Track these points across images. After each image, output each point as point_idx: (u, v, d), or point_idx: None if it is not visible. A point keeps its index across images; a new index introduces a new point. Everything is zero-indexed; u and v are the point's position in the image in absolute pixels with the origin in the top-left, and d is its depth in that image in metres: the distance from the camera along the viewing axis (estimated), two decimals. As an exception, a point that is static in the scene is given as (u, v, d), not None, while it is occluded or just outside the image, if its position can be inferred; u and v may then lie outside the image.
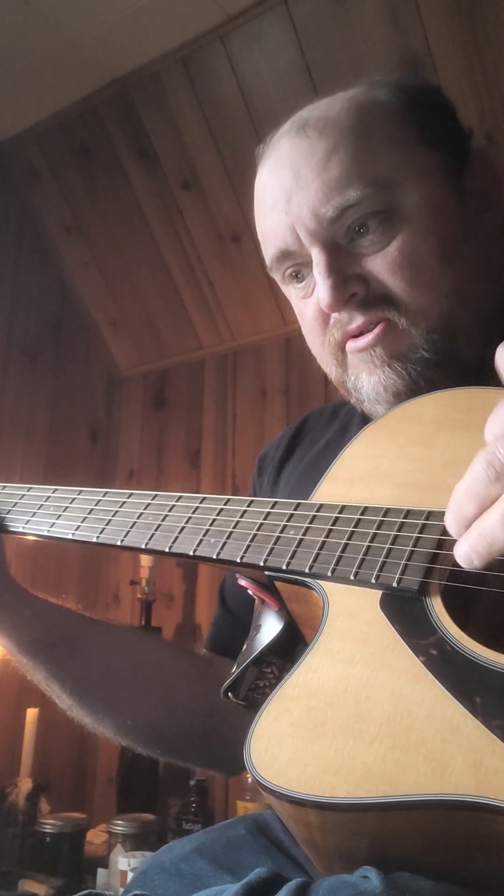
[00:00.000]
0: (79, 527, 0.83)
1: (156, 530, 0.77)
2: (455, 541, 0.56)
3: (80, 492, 0.87)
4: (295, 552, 0.67)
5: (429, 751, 0.50)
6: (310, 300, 0.86)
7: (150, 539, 0.77)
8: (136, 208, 2.65)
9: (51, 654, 0.89)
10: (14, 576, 0.91)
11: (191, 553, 0.73)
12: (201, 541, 0.73)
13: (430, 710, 0.52)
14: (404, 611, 0.59)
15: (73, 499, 0.86)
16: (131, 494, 0.83)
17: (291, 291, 0.90)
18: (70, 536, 0.83)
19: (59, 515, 0.85)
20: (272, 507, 0.72)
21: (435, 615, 0.58)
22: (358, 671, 0.57)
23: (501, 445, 0.53)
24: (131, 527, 0.79)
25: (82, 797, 2.56)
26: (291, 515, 0.70)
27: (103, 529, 0.81)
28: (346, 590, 0.63)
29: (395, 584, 0.60)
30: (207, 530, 0.74)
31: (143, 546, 0.77)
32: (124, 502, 0.82)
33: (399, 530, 0.64)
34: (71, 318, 2.91)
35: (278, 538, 0.69)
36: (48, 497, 0.88)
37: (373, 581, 0.62)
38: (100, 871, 1.92)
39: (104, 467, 2.92)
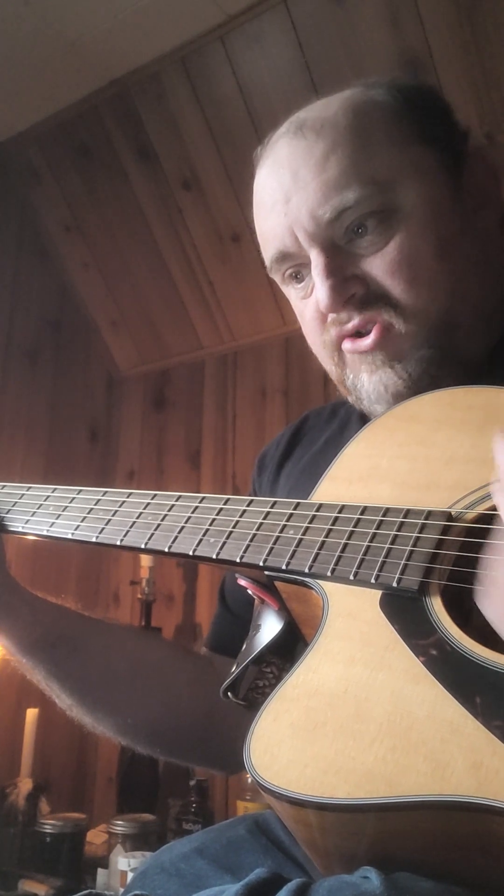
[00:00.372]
0: (78, 526, 0.83)
1: (155, 530, 0.77)
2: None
3: (80, 491, 0.87)
4: (295, 552, 0.67)
5: (429, 751, 0.50)
6: (309, 300, 0.86)
7: (149, 539, 0.77)
8: (136, 208, 2.65)
9: (51, 654, 0.89)
10: (14, 576, 0.91)
11: (190, 553, 0.73)
12: (201, 540, 0.73)
13: (430, 711, 0.52)
14: (404, 611, 0.59)
15: (73, 498, 0.86)
16: (131, 494, 0.83)
17: (291, 292, 0.90)
18: (70, 536, 0.83)
19: (59, 515, 0.85)
20: (272, 507, 0.72)
21: (435, 615, 0.58)
22: (358, 671, 0.56)
23: None
24: (131, 526, 0.79)
25: (82, 797, 2.56)
26: (291, 515, 0.70)
27: (103, 529, 0.81)
28: (346, 590, 0.63)
29: (394, 584, 0.60)
30: (207, 530, 0.74)
31: (142, 546, 0.77)
32: (124, 502, 0.82)
33: (399, 530, 0.64)
34: (71, 318, 2.91)
35: (278, 538, 0.69)
36: (48, 497, 0.88)
37: (372, 581, 0.61)
38: (100, 871, 1.92)
39: (104, 467, 2.92)
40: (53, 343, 2.82)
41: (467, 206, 0.84)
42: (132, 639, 1.03)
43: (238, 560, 0.70)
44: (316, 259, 0.81)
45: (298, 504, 0.71)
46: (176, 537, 0.75)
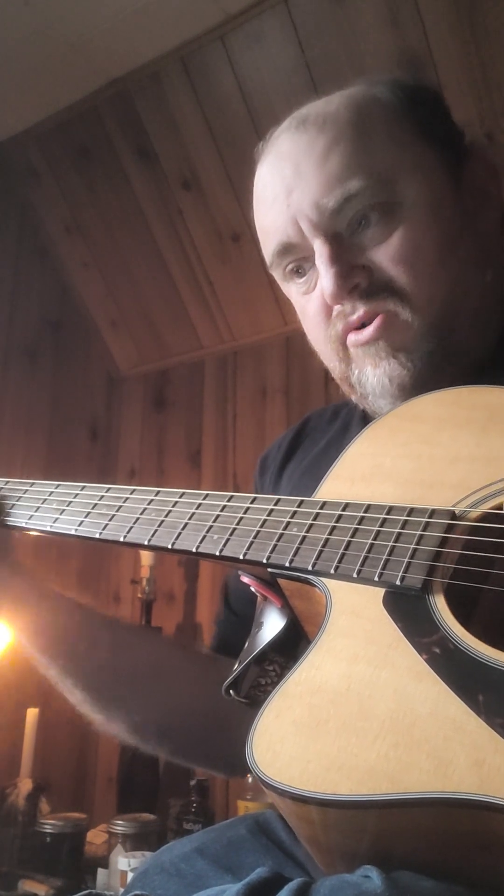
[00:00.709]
0: (82, 522, 0.83)
1: (159, 526, 0.77)
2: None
3: (83, 488, 0.87)
4: (298, 549, 0.67)
5: (431, 749, 0.50)
6: (312, 295, 0.86)
7: (152, 535, 0.77)
8: (136, 208, 2.65)
9: (65, 650, 0.90)
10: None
11: (194, 550, 0.73)
12: (204, 537, 0.73)
13: (432, 708, 0.52)
14: (407, 609, 0.59)
15: (76, 494, 0.86)
16: (134, 491, 0.83)
17: (292, 288, 0.90)
18: (73, 532, 0.83)
19: (63, 511, 0.85)
20: (275, 505, 0.72)
21: (438, 613, 0.58)
22: (361, 669, 0.56)
23: None
24: (134, 523, 0.79)
25: (82, 797, 2.56)
26: (295, 513, 0.70)
27: (106, 525, 0.81)
28: (349, 587, 0.63)
29: (398, 582, 0.60)
30: (210, 527, 0.74)
31: (145, 542, 0.77)
32: (127, 498, 0.82)
33: (402, 528, 0.64)
34: (71, 318, 2.91)
35: (281, 535, 0.69)
36: (51, 493, 0.88)
37: (376, 579, 0.61)
38: (100, 871, 1.91)
39: (104, 467, 2.92)
40: (53, 343, 2.82)
41: (468, 205, 0.84)
42: (144, 638, 1.03)
43: (241, 557, 0.70)
44: (320, 248, 0.81)
45: (302, 502, 0.71)
46: (179, 534, 0.75)
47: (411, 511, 0.65)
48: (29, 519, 0.87)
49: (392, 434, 0.74)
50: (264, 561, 0.68)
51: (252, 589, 0.73)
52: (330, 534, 0.67)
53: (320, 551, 0.66)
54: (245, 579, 0.74)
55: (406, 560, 0.61)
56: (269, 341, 2.65)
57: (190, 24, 2.17)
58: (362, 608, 0.61)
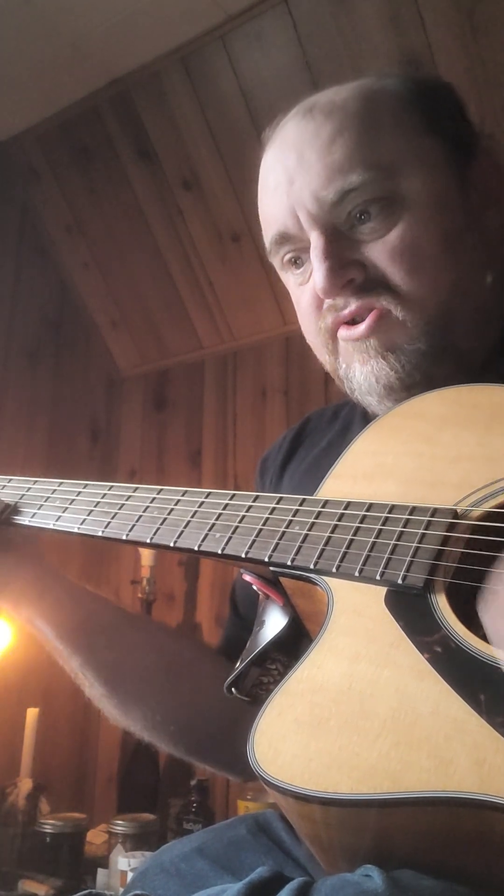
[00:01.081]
0: (84, 520, 0.83)
1: (161, 524, 0.77)
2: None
3: (86, 486, 0.87)
4: (300, 548, 0.67)
5: (432, 748, 0.50)
6: (306, 286, 0.85)
7: (155, 533, 0.77)
8: (136, 208, 2.65)
9: (89, 642, 0.90)
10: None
11: (196, 548, 0.73)
12: (206, 535, 0.73)
13: (434, 708, 0.52)
14: (409, 608, 0.59)
15: (79, 492, 0.86)
16: (136, 489, 0.83)
17: (290, 278, 0.89)
18: (75, 530, 0.83)
19: (65, 509, 0.85)
20: (277, 503, 0.72)
21: (440, 612, 0.58)
22: (362, 668, 0.56)
23: None
24: (137, 521, 0.79)
25: (82, 797, 2.55)
26: (297, 511, 0.70)
27: (108, 523, 0.81)
28: (351, 586, 0.63)
29: (400, 581, 0.60)
30: (213, 525, 0.74)
31: (148, 540, 0.77)
32: (129, 496, 0.82)
33: (404, 527, 0.64)
34: (71, 318, 2.91)
35: (283, 533, 0.69)
36: (54, 490, 0.88)
37: (378, 578, 0.61)
38: (100, 871, 1.91)
39: (105, 467, 2.92)
40: (53, 343, 2.82)
41: (473, 203, 0.83)
42: (167, 636, 1.03)
43: (243, 555, 0.70)
44: (315, 241, 0.80)
45: (304, 500, 0.71)
46: (181, 532, 0.75)
47: (413, 510, 0.65)
48: (32, 516, 0.87)
49: (394, 432, 0.74)
50: (266, 559, 0.68)
51: (254, 587, 0.73)
52: (332, 532, 0.67)
53: (322, 550, 0.66)
54: (247, 577, 0.74)
55: (408, 559, 0.61)
56: (269, 341, 2.65)
57: (190, 24, 2.17)
58: (364, 607, 0.61)
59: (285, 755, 0.53)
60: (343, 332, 0.82)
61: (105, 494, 0.84)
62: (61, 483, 0.89)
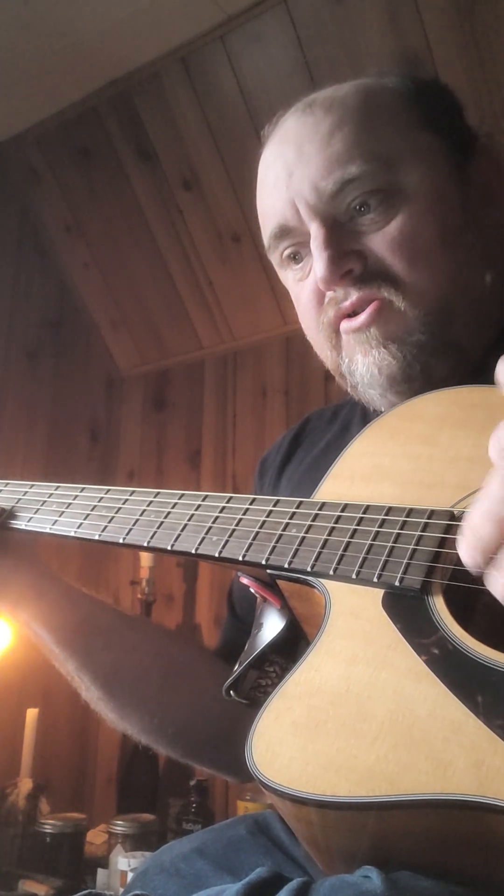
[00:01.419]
0: (81, 524, 0.83)
1: (158, 528, 0.77)
2: (456, 540, 0.55)
3: (83, 489, 0.87)
4: (297, 550, 0.67)
5: (430, 750, 0.50)
6: (306, 282, 0.85)
7: (152, 537, 0.77)
8: (136, 208, 2.65)
9: (85, 645, 0.90)
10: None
11: (193, 551, 0.73)
12: (203, 539, 0.73)
13: (431, 710, 0.52)
14: (406, 610, 0.59)
15: (76, 496, 0.86)
16: (133, 492, 0.83)
17: (289, 275, 0.89)
18: (72, 534, 0.83)
19: (62, 513, 0.85)
20: (274, 506, 0.72)
21: (437, 614, 0.58)
22: (360, 670, 0.56)
23: None
24: (133, 524, 0.79)
25: (82, 797, 2.55)
26: (294, 514, 0.70)
27: (105, 527, 0.81)
28: (349, 588, 0.63)
29: (397, 584, 0.60)
30: (210, 528, 0.74)
31: (145, 544, 0.77)
32: (126, 500, 0.82)
33: (401, 529, 0.64)
34: (71, 318, 2.91)
35: (280, 536, 0.69)
36: (51, 494, 0.88)
37: (375, 580, 0.61)
38: (100, 871, 1.92)
39: (104, 468, 2.92)
40: (53, 343, 2.82)
41: (472, 200, 0.84)
42: (165, 638, 1.03)
43: (240, 558, 0.70)
44: (315, 232, 0.80)
45: (301, 503, 0.71)
46: (178, 535, 0.75)
47: (410, 512, 0.65)
48: (28, 521, 0.87)
49: (391, 434, 0.74)
50: (263, 562, 0.68)
51: (251, 590, 0.73)
52: (329, 535, 0.67)
53: (319, 552, 0.66)
54: (245, 580, 0.74)
55: (405, 561, 0.61)
56: (269, 341, 2.65)
57: (190, 24, 2.17)
58: (361, 609, 0.61)
59: (283, 758, 0.53)
60: (345, 325, 0.82)
61: (102, 498, 0.84)
62: (58, 487, 0.89)
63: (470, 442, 0.68)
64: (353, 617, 0.61)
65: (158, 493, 0.81)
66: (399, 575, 0.61)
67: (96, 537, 0.81)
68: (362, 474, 0.72)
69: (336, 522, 0.67)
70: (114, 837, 1.91)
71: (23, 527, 0.87)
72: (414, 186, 0.80)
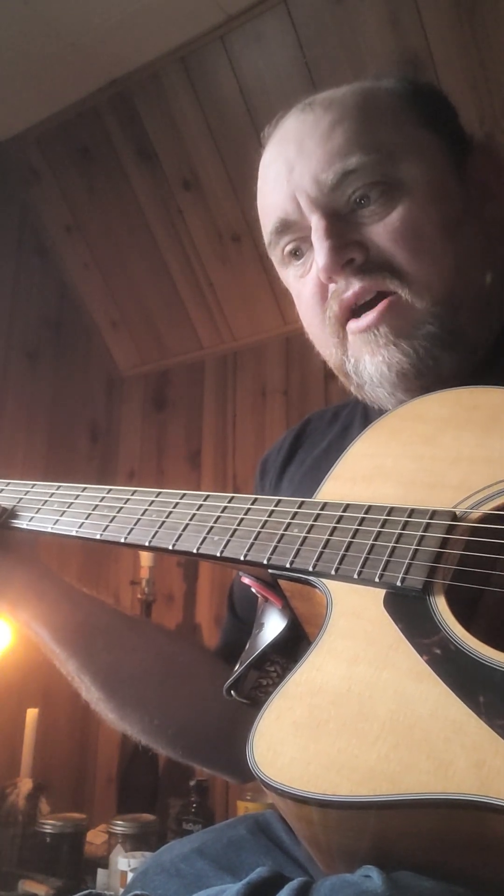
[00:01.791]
0: (82, 524, 0.83)
1: (159, 527, 0.77)
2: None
3: (84, 489, 0.87)
4: (299, 550, 0.67)
5: (432, 750, 0.50)
6: (308, 277, 0.85)
7: (153, 536, 0.77)
8: (136, 208, 2.65)
9: (85, 645, 0.90)
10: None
11: (194, 551, 0.73)
12: (205, 538, 0.73)
13: (433, 709, 0.52)
14: (408, 610, 0.59)
15: (77, 496, 0.86)
16: (135, 492, 0.83)
17: (290, 272, 0.89)
18: (74, 533, 0.83)
19: (63, 512, 0.85)
20: (276, 506, 0.72)
21: (439, 614, 0.58)
22: (361, 670, 0.56)
23: None
24: (135, 524, 0.79)
25: (82, 797, 2.55)
26: (295, 514, 0.70)
27: (107, 526, 0.81)
28: (350, 588, 0.63)
29: (398, 584, 0.60)
30: (211, 528, 0.74)
31: (146, 543, 0.77)
32: (128, 499, 0.82)
33: (403, 529, 0.64)
34: (71, 318, 2.91)
35: (282, 536, 0.69)
36: (52, 494, 0.88)
37: (377, 580, 0.61)
38: (100, 871, 1.91)
39: (104, 468, 2.92)
40: (53, 343, 2.82)
41: (471, 198, 0.84)
42: (165, 639, 1.03)
43: (242, 558, 0.70)
44: (316, 223, 0.81)
45: (303, 503, 0.71)
46: (180, 535, 0.75)
47: (412, 512, 0.65)
48: (30, 520, 0.87)
49: (393, 434, 0.74)
50: (265, 562, 0.68)
51: (253, 590, 0.73)
52: (331, 535, 0.67)
53: (321, 552, 0.66)
54: (246, 580, 0.74)
55: (407, 561, 0.61)
56: (269, 341, 2.65)
57: (190, 24, 2.17)
58: (363, 609, 0.61)
59: (284, 757, 0.53)
60: (352, 325, 0.82)
61: (103, 498, 0.84)
62: (59, 486, 0.89)
63: (472, 442, 0.68)
64: (355, 617, 0.61)
65: (160, 492, 0.81)
66: (401, 575, 0.61)
67: (98, 536, 0.81)
68: (364, 475, 0.72)
69: (338, 522, 0.67)
70: (114, 837, 1.91)
71: (24, 526, 0.87)
72: (414, 179, 0.80)
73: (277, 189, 0.84)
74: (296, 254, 0.86)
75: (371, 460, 0.73)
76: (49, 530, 0.85)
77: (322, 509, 0.69)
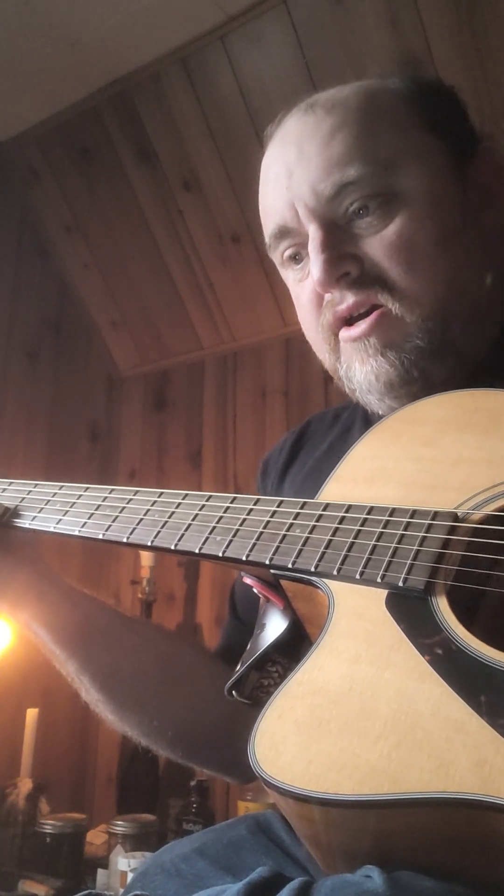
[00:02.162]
0: (85, 523, 0.83)
1: (162, 527, 0.77)
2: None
3: (87, 489, 0.87)
4: (301, 551, 0.67)
5: (433, 749, 0.50)
6: (306, 283, 0.86)
7: (155, 536, 0.77)
8: (136, 209, 2.65)
9: (85, 647, 0.90)
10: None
11: (196, 551, 0.73)
12: (207, 538, 0.73)
13: (434, 709, 0.52)
14: (410, 610, 0.59)
15: (80, 495, 0.86)
16: (137, 492, 0.83)
17: (289, 275, 0.89)
18: (76, 533, 0.83)
19: (66, 512, 0.85)
20: (278, 506, 0.72)
21: (440, 615, 0.58)
22: (363, 670, 0.57)
23: None
24: (137, 524, 0.79)
25: (82, 797, 2.56)
26: (298, 514, 0.70)
27: (109, 526, 0.81)
28: (352, 589, 0.63)
29: (400, 584, 0.60)
30: (214, 528, 0.74)
31: (148, 543, 0.77)
32: (130, 499, 0.82)
33: (405, 530, 0.64)
34: (71, 318, 2.91)
35: (284, 536, 0.69)
36: (55, 494, 0.89)
37: (378, 580, 0.62)
38: (100, 871, 1.92)
39: (105, 468, 2.92)
40: (53, 343, 2.82)
41: (472, 201, 0.84)
42: (165, 640, 1.03)
43: (244, 558, 0.70)
44: (313, 234, 0.81)
45: (305, 503, 0.71)
46: (182, 535, 0.75)
47: (414, 513, 0.65)
48: (32, 520, 0.87)
49: (395, 437, 0.74)
50: (267, 562, 0.68)
51: (255, 590, 0.73)
52: (333, 535, 0.67)
53: (323, 553, 0.66)
54: (248, 580, 0.74)
55: (409, 562, 0.61)
56: (269, 342, 2.65)
57: (190, 24, 2.17)
58: (365, 609, 0.61)
59: (286, 756, 0.53)
60: (343, 333, 0.82)
61: (106, 497, 0.84)
62: (62, 486, 0.89)
63: (473, 444, 0.68)
64: (357, 617, 0.61)
65: (162, 493, 0.81)
66: (403, 575, 0.61)
67: (100, 536, 0.81)
68: (365, 476, 0.72)
69: (340, 523, 0.67)
70: (114, 838, 1.91)
71: (27, 525, 0.87)
72: (413, 189, 0.80)
73: (277, 193, 0.84)
74: (295, 258, 0.87)
75: (373, 462, 0.73)
76: (52, 530, 0.85)
77: (324, 510, 0.69)
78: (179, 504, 0.78)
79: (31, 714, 2.18)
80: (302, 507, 0.71)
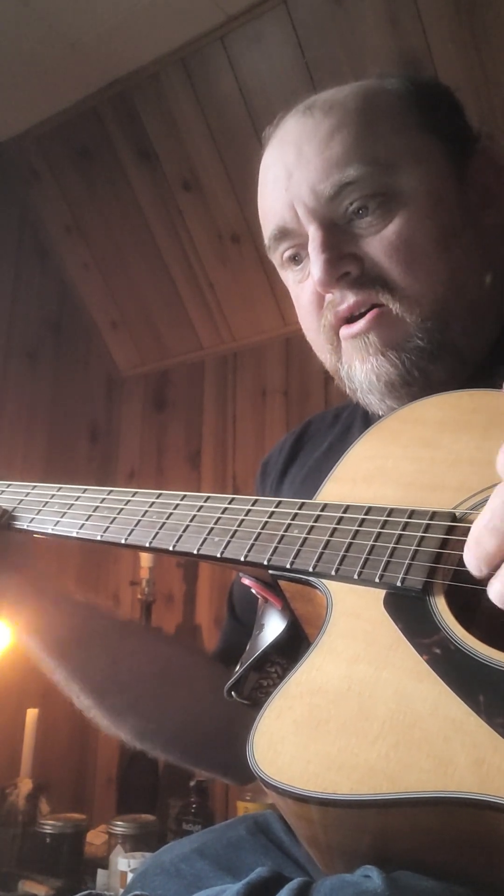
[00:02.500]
0: (83, 525, 0.83)
1: (160, 529, 0.77)
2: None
3: (85, 490, 0.87)
4: (299, 551, 0.67)
5: (431, 748, 0.50)
6: (306, 284, 0.86)
7: (154, 537, 0.77)
8: (136, 209, 2.66)
9: (80, 650, 0.90)
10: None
11: (195, 552, 0.73)
12: (205, 539, 0.73)
13: (433, 709, 0.52)
14: (408, 610, 0.59)
15: (78, 497, 0.86)
16: (136, 493, 0.83)
17: (289, 276, 0.89)
18: (74, 534, 0.83)
19: (64, 513, 0.85)
20: (276, 507, 0.72)
21: (438, 614, 0.58)
22: (361, 669, 0.57)
23: None
24: (136, 525, 0.79)
25: (82, 797, 2.56)
26: (296, 515, 0.71)
27: (107, 528, 0.81)
28: (350, 589, 0.63)
29: (398, 584, 0.60)
30: (212, 529, 0.74)
31: (146, 544, 0.77)
32: (129, 500, 0.82)
33: (403, 530, 0.64)
34: (71, 318, 2.91)
35: (282, 537, 0.69)
36: (53, 495, 0.89)
37: (377, 580, 0.62)
38: (100, 871, 1.92)
39: (104, 468, 2.92)
40: (53, 343, 2.82)
41: (471, 201, 0.84)
42: (161, 642, 1.03)
43: (242, 559, 0.70)
44: (313, 234, 0.81)
45: (303, 504, 0.71)
46: (180, 536, 0.75)
47: (412, 513, 0.65)
48: (31, 521, 0.87)
49: (393, 437, 0.74)
50: (265, 563, 0.68)
51: (253, 591, 0.73)
52: (331, 536, 0.67)
53: (321, 553, 0.66)
54: (246, 581, 0.74)
55: (407, 562, 0.61)
56: (269, 342, 2.65)
57: (190, 24, 2.17)
58: (363, 609, 0.61)
59: (284, 756, 0.53)
60: (344, 331, 0.82)
61: (104, 499, 0.84)
62: (60, 488, 0.89)
63: (471, 445, 0.68)
64: (355, 617, 0.61)
65: (160, 494, 0.81)
66: (401, 575, 0.61)
67: (99, 538, 0.81)
68: (364, 476, 0.72)
69: (338, 523, 0.67)
70: (114, 838, 1.92)
71: (25, 527, 0.87)
72: (412, 189, 0.80)
73: (276, 194, 0.84)
74: (295, 259, 0.87)
75: (371, 462, 0.73)
76: (50, 531, 0.85)
77: (322, 510, 0.69)
78: (177, 505, 0.78)
79: (31, 714, 2.18)
80: (300, 508, 0.71)
